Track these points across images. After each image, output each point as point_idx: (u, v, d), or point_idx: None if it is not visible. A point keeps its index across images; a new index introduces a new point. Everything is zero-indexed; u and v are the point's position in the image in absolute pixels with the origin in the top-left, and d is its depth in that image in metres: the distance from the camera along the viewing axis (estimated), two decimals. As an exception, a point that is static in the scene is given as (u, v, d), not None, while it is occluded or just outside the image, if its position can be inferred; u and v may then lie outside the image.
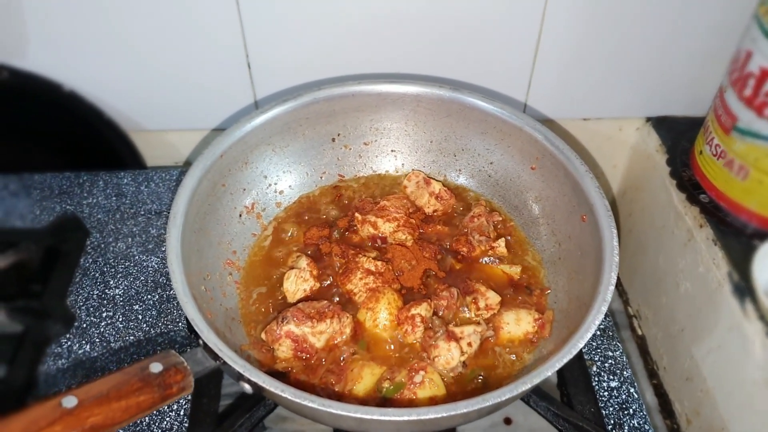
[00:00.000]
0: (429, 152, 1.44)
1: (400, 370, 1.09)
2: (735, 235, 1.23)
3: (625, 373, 1.23)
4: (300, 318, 1.10)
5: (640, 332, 1.52)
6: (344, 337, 1.14)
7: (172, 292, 1.00)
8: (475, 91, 1.34)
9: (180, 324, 1.28)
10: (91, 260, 1.39)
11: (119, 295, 1.33)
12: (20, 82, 1.48)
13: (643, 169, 1.55)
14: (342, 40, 1.43)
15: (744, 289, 1.15)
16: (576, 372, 1.20)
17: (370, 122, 1.41)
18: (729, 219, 1.25)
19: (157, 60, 1.46)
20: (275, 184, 1.37)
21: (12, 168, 1.56)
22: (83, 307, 1.30)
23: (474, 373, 1.11)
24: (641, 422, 1.16)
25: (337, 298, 1.21)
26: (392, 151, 1.45)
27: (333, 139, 1.41)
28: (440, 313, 1.17)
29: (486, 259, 1.28)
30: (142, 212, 1.48)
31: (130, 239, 1.43)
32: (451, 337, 1.10)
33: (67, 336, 1.26)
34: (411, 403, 1.04)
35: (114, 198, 1.51)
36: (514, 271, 1.26)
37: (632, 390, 1.20)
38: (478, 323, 1.15)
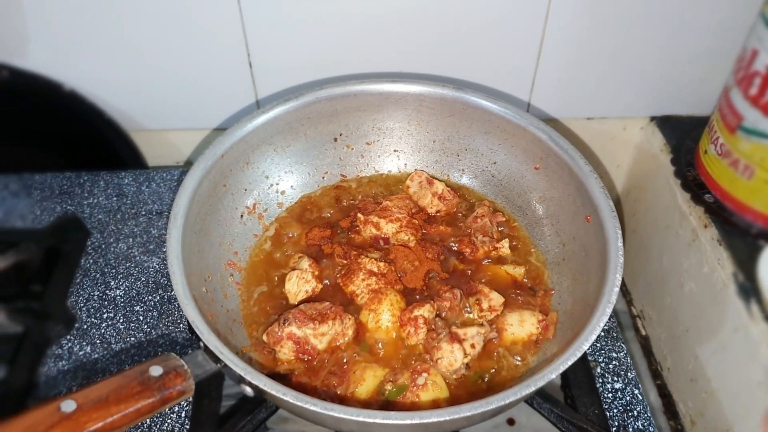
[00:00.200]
0: (432, 152, 1.43)
1: (402, 372, 1.08)
2: (740, 235, 1.23)
3: (629, 374, 1.22)
4: (302, 320, 1.10)
5: (644, 332, 1.52)
6: (346, 338, 1.14)
7: (173, 293, 1.00)
8: (478, 90, 1.33)
9: (181, 325, 1.28)
10: (91, 261, 1.38)
11: (120, 296, 1.32)
12: (20, 82, 1.47)
13: (648, 168, 1.55)
14: (344, 40, 1.43)
15: (749, 289, 1.15)
16: (580, 373, 1.19)
17: (373, 122, 1.40)
18: (734, 219, 1.24)
19: (158, 59, 1.45)
20: (277, 184, 1.36)
21: (12, 168, 1.56)
22: (84, 308, 1.30)
23: (477, 375, 1.10)
24: (645, 424, 1.15)
25: (339, 300, 1.20)
26: (395, 150, 1.44)
27: (335, 139, 1.40)
28: (443, 315, 1.16)
29: (489, 260, 1.27)
30: (143, 212, 1.48)
31: (131, 240, 1.42)
32: (454, 338, 1.10)
33: (68, 337, 1.25)
34: (414, 406, 1.04)
35: (115, 198, 1.50)
36: (518, 272, 1.25)
37: (636, 391, 1.20)
38: (482, 325, 1.15)
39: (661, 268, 1.45)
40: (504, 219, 1.35)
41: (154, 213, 1.47)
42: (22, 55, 1.44)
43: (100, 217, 1.46)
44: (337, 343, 1.13)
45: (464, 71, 1.49)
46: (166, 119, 1.58)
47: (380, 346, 1.14)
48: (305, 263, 1.22)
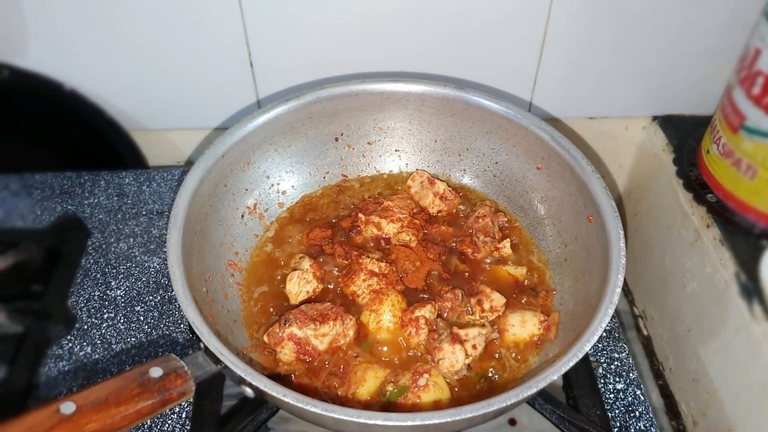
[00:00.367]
0: (433, 152, 1.43)
1: (404, 373, 1.08)
2: (742, 235, 1.22)
3: (631, 375, 1.22)
4: (303, 320, 1.09)
5: (645, 332, 1.51)
6: (347, 339, 1.13)
7: (174, 293, 1.00)
8: (479, 90, 1.33)
9: (182, 325, 1.27)
10: (92, 261, 1.38)
11: (121, 296, 1.32)
12: (21, 81, 1.47)
13: (650, 168, 1.54)
14: (345, 39, 1.42)
15: (752, 289, 1.14)
16: (582, 374, 1.19)
17: (374, 122, 1.40)
18: (736, 219, 1.24)
19: (158, 59, 1.45)
20: (278, 184, 1.36)
21: (13, 168, 1.55)
22: (84, 309, 1.29)
23: (479, 376, 1.10)
24: (647, 425, 1.15)
25: (340, 300, 1.19)
26: (396, 150, 1.44)
27: (336, 139, 1.40)
28: (445, 315, 1.16)
29: (491, 260, 1.27)
30: (144, 212, 1.47)
31: (131, 240, 1.42)
32: (456, 339, 1.09)
33: (68, 337, 1.25)
34: (415, 407, 1.03)
35: (115, 198, 1.50)
36: (520, 272, 1.25)
37: (638, 392, 1.19)
38: (483, 325, 1.14)
39: (663, 268, 1.44)
40: (506, 219, 1.34)
41: (154, 213, 1.47)
42: (22, 54, 1.44)
43: (100, 216, 1.46)
44: (338, 344, 1.13)
45: (466, 71, 1.48)
46: (167, 119, 1.58)
47: (381, 347, 1.13)
48: (306, 263, 1.21)
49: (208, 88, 1.51)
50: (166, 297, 1.32)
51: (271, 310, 1.20)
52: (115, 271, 1.36)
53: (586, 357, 1.22)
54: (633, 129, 1.61)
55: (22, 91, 1.48)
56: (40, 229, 1.44)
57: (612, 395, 1.19)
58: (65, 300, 1.31)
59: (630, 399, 1.18)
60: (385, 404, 1.05)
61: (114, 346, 1.24)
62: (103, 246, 1.40)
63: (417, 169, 1.43)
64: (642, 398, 1.19)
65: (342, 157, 1.42)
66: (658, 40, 1.41)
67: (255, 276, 1.25)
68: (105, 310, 1.29)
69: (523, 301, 1.21)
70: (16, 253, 1.36)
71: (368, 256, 1.22)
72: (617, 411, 1.16)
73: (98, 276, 1.35)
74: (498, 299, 1.17)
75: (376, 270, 1.19)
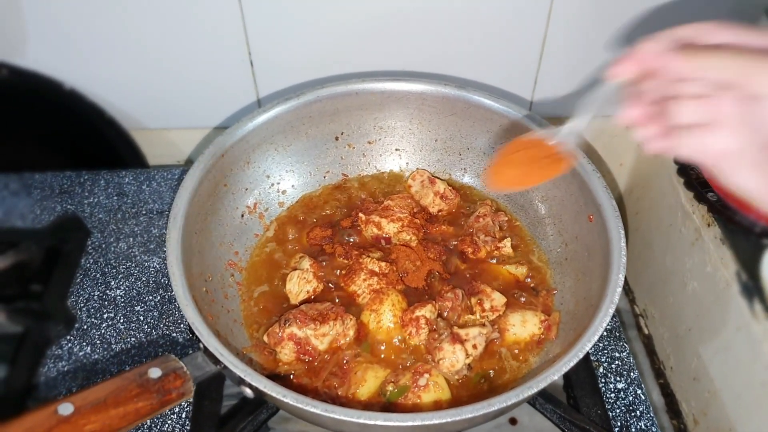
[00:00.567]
0: (434, 151, 1.43)
1: (404, 373, 1.08)
2: (743, 234, 1.22)
3: (632, 374, 1.22)
4: (303, 320, 1.09)
5: (646, 331, 1.51)
6: (348, 339, 1.13)
7: (173, 292, 1.00)
8: (480, 89, 1.33)
9: (182, 325, 1.27)
10: (92, 260, 1.38)
11: (120, 296, 1.32)
12: (20, 81, 1.46)
13: (650, 167, 1.54)
14: (345, 38, 1.42)
15: (752, 288, 1.14)
16: (582, 374, 1.19)
17: (374, 121, 1.40)
18: (737, 218, 1.23)
19: (158, 58, 1.45)
20: (278, 183, 1.36)
21: (12, 167, 1.55)
22: (84, 308, 1.29)
23: (479, 375, 1.10)
24: (648, 424, 1.15)
25: (340, 300, 1.19)
26: (396, 149, 1.43)
27: (336, 138, 1.40)
28: (445, 315, 1.16)
29: (491, 259, 1.27)
30: (144, 212, 1.47)
31: (131, 239, 1.42)
32: (456, 339, 1.09)
33: (68, 337, 1.25)
34: (415, 407, 1.03)
35: (115, 197, 1.50)
36: (520, 271, 1.25)
37: (639, 392, 1.19)
38: (484, 325, 1.14)
39: (664, 267, 1.44)
40: (506, 218, 1.34)
41: (154, 212, 1.47)
42: (21, 53, 1.44)
43: (100, 216, 1.46)
44: (339, 344, 1.13)
45: (466, 70, 1.48)
46: (167, 118, 1.58)
47: (382, 346, 1.13)
48: (306, 263, 1.21)
49: (208, 87, 1.51)
50: (166, 297, 1.31)
51: (271, 310, 1.19)
52: (114, 270, 1.36)
53: (586, 356, 1.21)
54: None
55: (21, 90, 1.48)
56: (40, 228, 1.43)
57: (613, 395, 1.19)
58: (65, 300, 1.30)
59: (631, 398, 1.18)
60: (385, 404, 1.05)
61: (114, 346, 1.24)
62: (103, 246, 1.40)
63: (417, 168, 1.43)
64: (643, 397, 1.18)
65: (342, 156, 1.42)
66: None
67: (255, 276, 1.25)
68: (105, 310, 1.29)
69: (523, 300, 1.20)
70: (15, 252, 1.36)
71: (368, 256, 1.22)
72: (618, 410, 1.16)
73: (98, 276, 1.35)
74: (498, 299, 1.17)
75: (377, 270, 1.19)
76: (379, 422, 0.86)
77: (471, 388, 1.09)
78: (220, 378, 1.18)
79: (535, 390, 0.90)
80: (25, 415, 0.77)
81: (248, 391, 0.94)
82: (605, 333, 1.27)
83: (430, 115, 1.38)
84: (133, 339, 1.25)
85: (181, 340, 1.25)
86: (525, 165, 1.02)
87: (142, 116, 1.56)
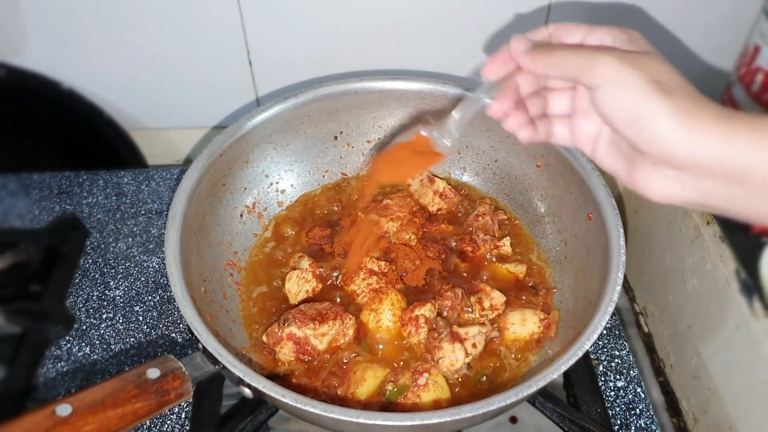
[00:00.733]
0: (433, 150, 1.42)
1: (403, 372, 1.08)
2: (743, 232, 1.22)
3: (631, 372, 1.22)
4: (302, 320, 1.09)
5: (646, 329, 1.51)
6: (347, 339, 1.13)
7: (172, 293, 0.99)
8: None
9: (181, 325, 1.27)
10: (90, 261, 1.37)
11: (119, 296, 1.31)
12: (18, 81, 1.47)
13: (650, 164, 1.54)
14: (344, 37, 1.42)
15: (752, 286, 1.14)
16: (582, 372, 1.19)
17: (373, 120, 1.39)
18: (737, 216, 1.23)
19: (157, 57, 1.45)
20: (277, 183, 1.36)
21: (11, 167, 1.55)
22: (83, 309, 1.29)
23: (479, 374, 1.10)
24: (648, 422, 1.15)
25: (340, 299, 1.19)
26: (396, 148, 1.43)
27: (335, 137, 1.40)
28: (444, 314, 1.16)
29: (491, 258, 1.27)
30: (143, 212, 1.47)
31: (130, 239, 1.41)
32: (456, 338, 1.09)
33: (67, 338, 1.25)
34: (415, 407, 1.03)
35: (114, 197, 1.50)
36: (520, 270, 1.25)
37: (639, 390, 1.19)
38: (483, 324, 1.14)
39: (663, 265, 1.44)
40: (505, 217, 1.34)
41: (153, 212, 1.47)
42: (20, 53, 1.44)
43: (99, 216, 1.46)
44: (338, 344, 1.12)
45: (465, 69, 1.48)
46: (166, 117, 1.58)
47: (381, 346, 1.13)
48: (305, 263, 1.21)
49: (206, 86, 1.51)
50: (165, 297, 1.31)
51: (270, 309, 1.19)
52: (113, 271, 1.36)
53: (586, 355, 1.21)
54: (633, 126, 1.60)
55: (20, 90, 1.48)
56: (39, 229, 1.43)
57: (612, 393, 1.19)
58: (64, 300, 1.30)
59: (630, 396, 1.18)
60: (384, 404, 1.05)
61: (113, 347, 1.24)
62: (102, 246, 1.40)
63: (417, 168, 1.43)
64: (642, 395, 1.18)
65: (341, 155, 1.42)
66: (658, 36, 1.41)
67: (254, 275, 1.25)
68: (104, 311, 1.29)
69: (523, 299, 1.20)
70: (14, 253, 1.35)
71: (368, 255, 1.21)
72: (618, 408, 1.16)
73: (97, 276, 1.35)
74: (498, 297, 1.17)
75: (376, 269, 1.19)
76: (378, 422, 0.86)
77: (470, 387, 1.09)
78: (219, 378, 1.18)
79: (534, 389, 0.90)
80: (22, 416, 0.77)
81: (247, 391, 0.94)
82: (605, 331, 1.27)
83: (428, 113, 1.38)
84: (132, 339, 1.25)
85: (180, 340, 1.25)
86: (402, 160, 1.05)
87: (141, 116, 1.56)
